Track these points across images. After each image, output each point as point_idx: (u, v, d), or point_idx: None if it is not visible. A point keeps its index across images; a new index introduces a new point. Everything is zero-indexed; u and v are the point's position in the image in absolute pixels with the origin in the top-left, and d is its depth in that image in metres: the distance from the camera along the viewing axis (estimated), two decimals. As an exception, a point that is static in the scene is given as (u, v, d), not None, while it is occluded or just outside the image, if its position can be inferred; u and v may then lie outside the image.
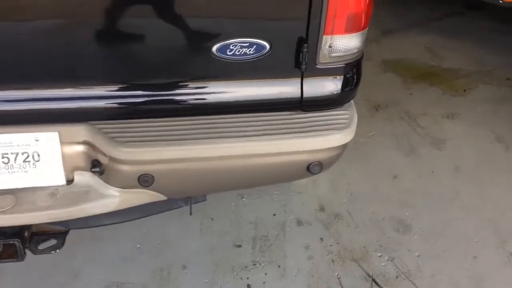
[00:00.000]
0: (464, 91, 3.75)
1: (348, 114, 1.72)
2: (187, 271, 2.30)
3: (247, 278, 2.28)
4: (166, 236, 2.45)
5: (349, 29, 1.61)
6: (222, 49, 1.55)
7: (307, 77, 1.66)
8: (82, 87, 1.57)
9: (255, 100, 1.65)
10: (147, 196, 1.66)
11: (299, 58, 1.59)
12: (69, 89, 1.57)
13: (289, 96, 1.66)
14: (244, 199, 2.69)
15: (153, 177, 1.58)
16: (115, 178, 1.61)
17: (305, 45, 1.58)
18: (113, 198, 1.65)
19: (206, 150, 1.58)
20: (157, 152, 1.56)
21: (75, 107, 1.58)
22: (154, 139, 1.57)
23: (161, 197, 1.69)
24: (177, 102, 1.61)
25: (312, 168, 1.68)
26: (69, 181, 1.67)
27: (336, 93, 1.70)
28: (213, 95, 1.62)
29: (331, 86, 1.69)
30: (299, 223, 2.59)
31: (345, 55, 1.66)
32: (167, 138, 1.57)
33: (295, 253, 2.42)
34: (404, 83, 3.85)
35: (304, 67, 1.61)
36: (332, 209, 2.68)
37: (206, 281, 2.26)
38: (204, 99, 1.62)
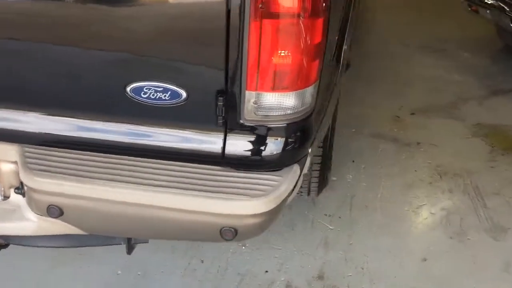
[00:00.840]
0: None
1: (278, 180, 1.53)
2: (151, 310, 2.23)
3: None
4: (149, 268, 2.40)
5: (280, 87, 1.43)
6: (136, 91, 1.47)
7: (233, 133, 1.51)
8: (10, 109, 1.61)
9: (172, 148, 1.55)
10: (63, 227, 1.64)
11: (216, 111, 1.45)
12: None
13: (210, 150, 1.53)
14: (244, 247, 2.54)
15: (60, 209, 1.55)
16: (30, 204, 1.62)
17: (221, 98, 1.43)
18: (31, 223, 1.65)
19: (109, 193, 1.51)
20: (61, 186, 1.52)
21: (4, 127, 1.62)
22: (64, 172, 1.54)
23: (79, 230, 1.65)
24: (90, 137, 1.57)
25: (224, 234, 1.51)
26: (6, 197, 1.72)
27: (267, 155, 1.52)
28: (127, 136, 1.55)
29: (260, 146, 1.51)
30: (288, 287, 2.36)
31: (279, 115, 1.48)
32: (76, 173, 1.54)
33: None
34: (490, 153, 3.36)
35: (220, 121, 1.46)
36: (332, 280, 2.40)
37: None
38: (118, 139, 1.56)
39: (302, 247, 2.55)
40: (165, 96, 1.46)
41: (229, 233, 1.50)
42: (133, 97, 1.48)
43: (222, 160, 1.54)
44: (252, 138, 1.52)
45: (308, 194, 2.68)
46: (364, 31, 5.05)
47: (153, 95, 1.47)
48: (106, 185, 1.50)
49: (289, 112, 1.48)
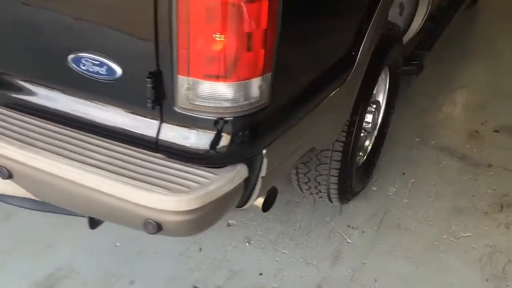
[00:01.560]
0: None
1: (210, 178, 1.38)
2: (133, 286, 2.19)
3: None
4: (147, 246, 2.37)
5: (214, 76, 1.28)
6: (76, 61, 1.41)
7: (168, 120, 1.39)
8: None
9: (109, 127, 1.46)
10: (17, 189, 1.64)
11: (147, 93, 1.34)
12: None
13: (145, 134, 1.42)
14: (248, 244, 2.40)
15: (8, 171, 1.55)
16: None
17: (149, 80, 1.31)
18: None
19: (44, 164, 1.47)
20: (5, 149, 1.51)
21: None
22: (12, 135, 1.53)
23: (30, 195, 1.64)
24: (32, 101, 1.54)
25: (147, 226, 1.41)
26: None
27: (201, 150, 1.38)
28: (67, 105, 1.50)
29: (195, 139, 1.37)
30: (278, 295, 2.20)
31: (216, 107, 1.33)
32: (20, 137, 1.52)
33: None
34: None
35: (149, 105, 1.34)
36: (329, 297, 2.19)
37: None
38: (58, 107, 1.51)
39: (310, 256, 2.35)
40: (102, 70, 1.38)
41: (152, 227, 1.39)
42: (73, 68, 1.42)
43: (156, 147, 1.42)
44: (187, 129, 1.38)
45: (330, 201, 2.46)
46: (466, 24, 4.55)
47: (91, 68, 1.39)
48: (42, 156, 1.46)
49: (226, 104, 1.33)
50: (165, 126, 1.39)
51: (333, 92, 1.76)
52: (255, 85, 1.33)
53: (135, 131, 1.44)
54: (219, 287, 2.19)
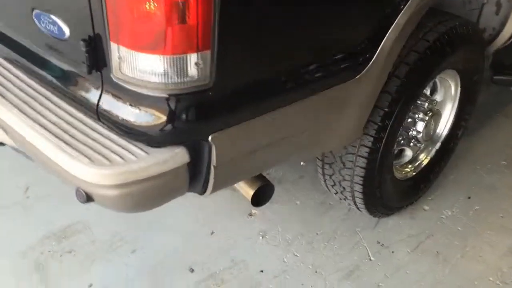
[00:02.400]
0: None
1: (139, 156, 1.29)
2: (134, 254, 2.20)
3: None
4: (162, 218, 2.34)
5: (142, 46, 1.18)
6: (38, 17, 1.40)
7: (108, 88, 1.33)
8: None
9: (60, 87, 1.45)
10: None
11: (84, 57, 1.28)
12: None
13: (89, 99, 1.37)
14: (262, 237, 2.27)
15: None
16: None
17: (83, 43, 1.26)
18: None
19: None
20: None
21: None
22: None
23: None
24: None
25: (77, 194, 1.37)
26: None
27: (132, 125, 1.30)
28: (31, 56, 1.51)
29: (128, 112, 1.30)
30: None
31: (148, 81, 1.24)
32: None
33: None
34: None
35: (85, 70, 1.29)
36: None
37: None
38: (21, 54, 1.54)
39: (321, 264, 2.15)
40: (54, 29, 1.36)
41: (81, 196, 1.35)
42: (35, 23, 1.41)
43: (97, 116, 1.37)
44: (122, 101, 1.31)
45: (358, 208, 2.22)
46: None
47: (47, 25, 1.38)
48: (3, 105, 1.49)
49: (156, 80, 1.22)
50: (105, 95, 1.33)
51: (331, 88, 1.55)
52: (191, 62, 1.20)
53: (83, 95, 1.40)
54: (214, 274, 2.11)
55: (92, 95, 1.36)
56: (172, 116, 1.26)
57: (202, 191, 1.49)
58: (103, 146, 1.33)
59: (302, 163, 2.63)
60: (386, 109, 1.86)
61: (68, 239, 2.24)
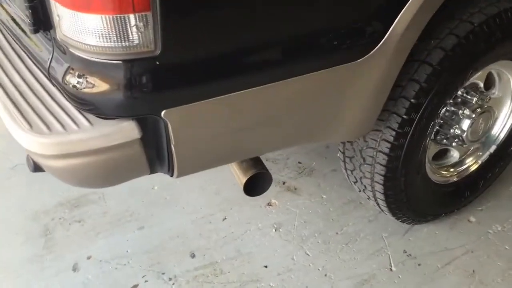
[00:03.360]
0: None
1: (81, 127, 1.18)
2: (140, 231, 2.12)
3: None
4: (178, 198, 2.25)
5: (73, 4, 1.07)
6: None
7: (58, 52, 1.22)
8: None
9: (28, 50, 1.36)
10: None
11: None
12: None
13: (43, 56, 1.28)
14: (275, 231, 2.10)
15: None
16: None
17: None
18: None
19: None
20: None
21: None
22: None
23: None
24: None
25: (28, 161, 1.29)
26: None
27: (75, 91, 1.18)
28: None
29: (70, 77, 1.18)
30: (266, 296, 1.87)
31: (86, 44, 1.11)
32: None
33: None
34: None
35: (30, 28, 1.19)
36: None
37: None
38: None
39: (333, 268, 1.94)
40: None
41: (29, 164, 1.27)
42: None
43: (50, 79, 1.27)
44: (65, 64, 1.19)
45: (382, 210, 1.98)
46: None
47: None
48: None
49: (92, 42, 1.08)
50: (55, 57, 1.23)
51: (321, 70, 1.32)
52: (129, 25, 1.06)
53: (41, 56, 1.31)
54: (214, 263, 1.97)
55: (46, 56, 1.27)
56: (112, 84, 1.12)
57: (170, 173, 1.36)
58: (51, 114, 1.23)
59: (338, 155, 2.39)
60: (412, 100, 1.60)
61: (81, 209, 2.21)
